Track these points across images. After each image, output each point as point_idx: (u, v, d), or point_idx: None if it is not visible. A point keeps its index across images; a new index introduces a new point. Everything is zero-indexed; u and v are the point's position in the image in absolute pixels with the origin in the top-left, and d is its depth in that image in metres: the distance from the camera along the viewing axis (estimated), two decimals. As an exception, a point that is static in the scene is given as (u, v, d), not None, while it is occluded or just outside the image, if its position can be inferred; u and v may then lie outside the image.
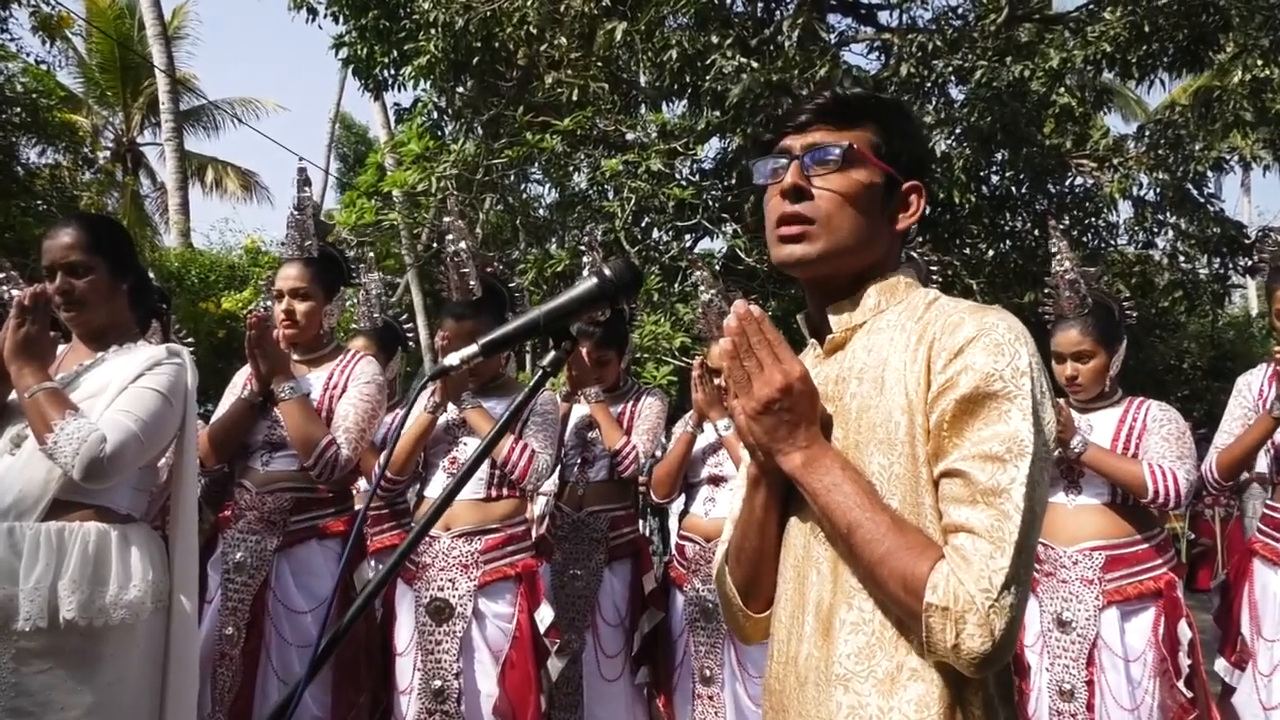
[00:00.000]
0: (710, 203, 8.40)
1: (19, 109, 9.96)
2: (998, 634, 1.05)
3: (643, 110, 9.47)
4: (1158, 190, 9.12)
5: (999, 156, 8.69)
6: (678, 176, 8.48)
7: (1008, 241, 9.51)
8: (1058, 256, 3.31)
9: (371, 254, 4.78)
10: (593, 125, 8.43)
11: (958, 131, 7.85)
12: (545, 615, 3.10)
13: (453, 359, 1.19)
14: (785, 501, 1.30)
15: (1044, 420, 1.13)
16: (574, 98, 8.24)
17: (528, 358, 10.20)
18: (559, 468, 3.83)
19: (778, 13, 8.74)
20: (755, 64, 7.46)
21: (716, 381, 3.55)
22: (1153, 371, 12.80)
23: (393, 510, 3.86)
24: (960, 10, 8.90)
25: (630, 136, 8.81)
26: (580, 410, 3.86)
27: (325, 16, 9.10)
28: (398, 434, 1.28)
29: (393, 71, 8.97)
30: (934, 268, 3.46)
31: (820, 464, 1.18)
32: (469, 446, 3.18)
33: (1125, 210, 9.70)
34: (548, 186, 9.76)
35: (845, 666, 1.17)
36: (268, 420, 3.03)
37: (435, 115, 9.62)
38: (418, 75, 8.60)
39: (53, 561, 2.11)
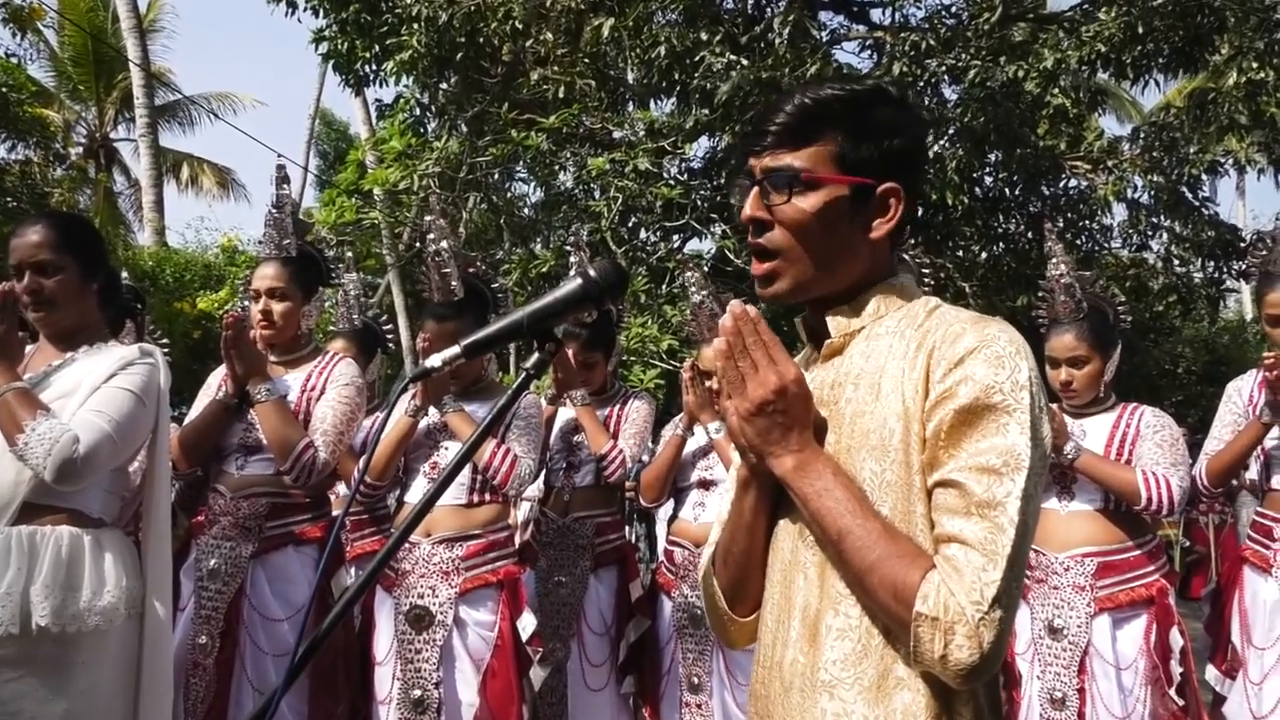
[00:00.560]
0: (699, 202, 8.42)
1: (-11, 103, 9.91)
2: (986, 646, 1.06)
3: (630, 108, 9.49)
4: (1152, 193, 9.20)
5: (992, 158, 8.74)
6: (666, 176, 8.49)
7: (1001, 244, 9.56)
8: (1053, 260, 3.33)
9: (351, 254, 4.77)
10: (579, 123, 8.43)
11: (950, 132, 7.90)
12: (528, 623, 3.10)
13: (434, 361, 1.19)
14: (775, 505, 1.30)
15: (1041, 435, 1.14)
16: (560, 95, 8.24)
17: (511, 360, 10.19)
18: (544, 472, 3.84)
19: (768, 9, 8.78)
20: (745, 61, 7.48)
21: (708, 384, 3.56)
22: (1147, 376, 12.90)
23: (372, 516, 3.85)
24: (954, 9, 8.96)
25: (617, 134, 8.82)
26: (566, 413, 3.86)
27: (305, 10, 9.08)
28: (377, 437, 1.28)
29: (374, 67, 8.96)
30: (926, 270, 3.48)
31: (812, 468, 1.19)
32: (450, 451, 3.18)
33: (1119, 213, 9.78)
34: (533, 185, 9.76)
35: (831, 673, 1.18)
36: (243, 423, 3.01)
37: (418, 112, 9.62)
38: (400, 70, 8.59)
39: (24, 566, 2.10)
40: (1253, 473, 3.32)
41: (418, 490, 3.19)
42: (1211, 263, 9.39)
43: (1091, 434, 3.17)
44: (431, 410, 3.15)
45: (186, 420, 3.11)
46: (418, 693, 2.97)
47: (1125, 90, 14.68)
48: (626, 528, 5.01)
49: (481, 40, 8.40)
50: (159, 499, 2.37)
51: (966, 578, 1.08)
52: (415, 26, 8.24)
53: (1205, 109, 8.51)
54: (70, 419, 2.16)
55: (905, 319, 1.27)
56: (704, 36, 7.63)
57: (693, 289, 3.88)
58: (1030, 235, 9.22)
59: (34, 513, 2.16)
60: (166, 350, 3.27)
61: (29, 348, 2.40)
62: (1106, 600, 3.03)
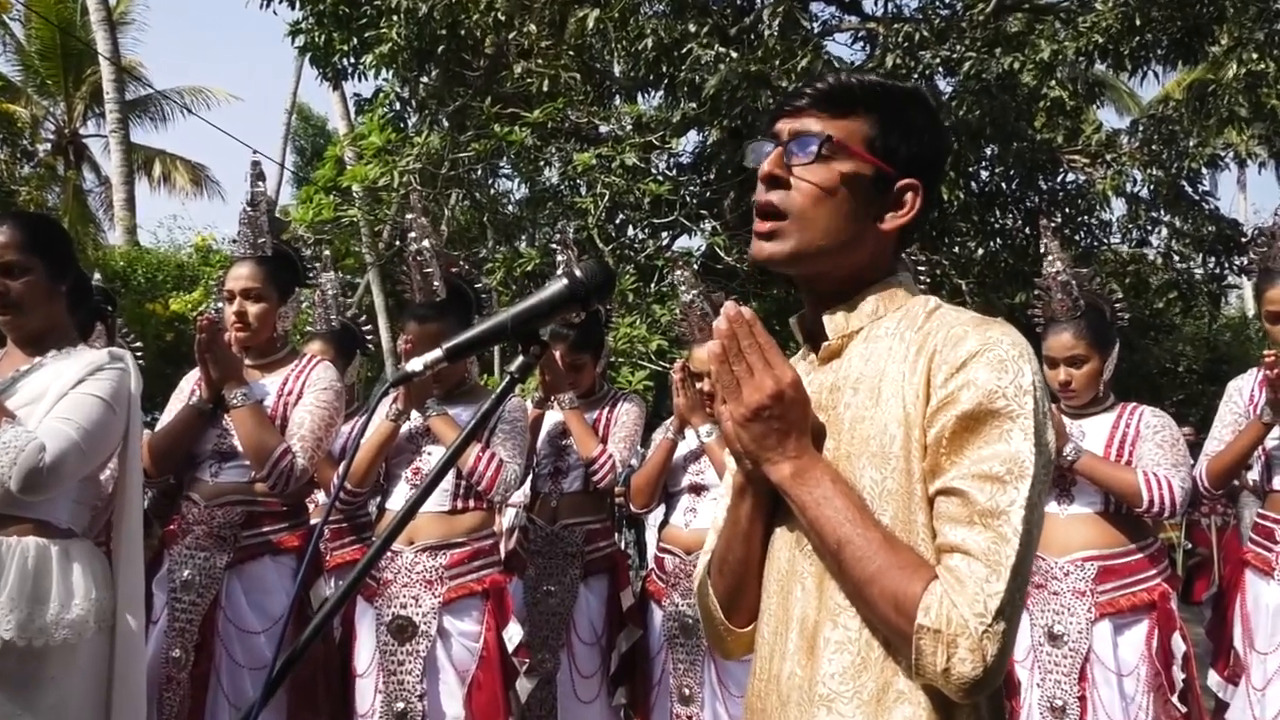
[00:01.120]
0: (688, 198, 8.42)
1: (-48, 98, 9.83)
2: (989, 659, 1.06)
3: (617, 102, 9.49)
4: (1151, 187, 9.26)
5: (988, 151, 8.79)
6: (654, 171, 8.50)
7: (997, 240, 9.61)
8: (1049, 257, 3.34)
9: (329, 252, 4.76)
10: (564, 117, 8.43)
11: (945, 125, 7.92)
12: (514, 633, 3.09)
13: (415, 364, 1.18)
14: (772, 512, 1.30)
15: (1046, 441, 1.15)
16: (544, 88, 8.24)
17: (494, 361, 10.18)
18: (531, 478, 3.83)
19: (758, 0, 8.79)
20: (734, 54, 7.49)
21: (699, 385, 3.56)
22: (1147, 375, 12.97)
23: (353, 524, 3.83)
24: (948, -1, 9.00)
25: (604, 129, 8.82)
26: (553, 417, 3.85)
27: (281, 2, 9.06)
28: (357, 443, 1.28)
29: (353, 60, 8.93)
30: (921, 267, 3.49)
31: (810, 475, 1.18)
32: (433, 456, 3.17)
33: (1118, 208, 9.85)
34: (517, 181, 9.76)
35: (829, 686, 1.18)
36: (217, 429, 3.00)
37: (398, 106, 9.59)
38: (379, 64, 8.57)
39: (-11, 579, 2.08)
40: (1254, 474, 3.34)
41: (400, 497, 3.18)
42: (1212, 258, 9.46)
43: (1090, 435, 3.18)
44: (413, 414, 3.14)
45: (158, 426, 3.09)
46: (400, 706, 2.96)
47: (1123, 82, 14.76)
48: (617, 534, 5.01)
49: (463, 32, 8.39)
50: (130, 508, 2.35)
51: (969, 589, 1.07)
52: (395, 18, 8.22)
53: (1205, 101, 8.58)
54: (37, 427, 2.14)
55: (905, 320, 1.26)
56: (692, 28, 7.64)
57: (683, 288, 3.88)
58: (1027, 231, 9.27)
59: (-1, 523, 2.15)
60: (138, 354, 3.26)
61: (-5, 352, 2.38)
62: (1107, 605, 3.04)
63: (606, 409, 3.84)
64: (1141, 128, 9.50)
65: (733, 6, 8.75)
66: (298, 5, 8.94)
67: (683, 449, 3.70)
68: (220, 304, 3.20)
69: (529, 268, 8.19)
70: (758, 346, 1.20)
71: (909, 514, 1.16)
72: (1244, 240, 9.22)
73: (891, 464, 1.18)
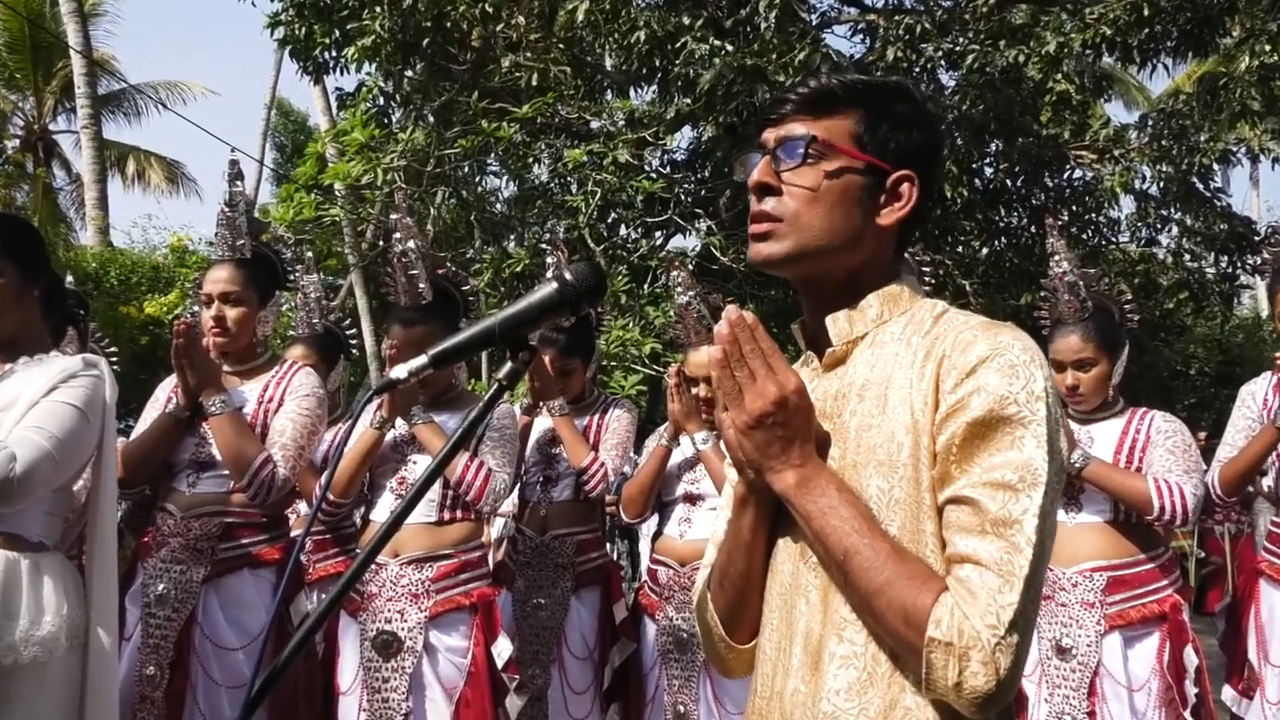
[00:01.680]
0: (682, 197, 8.44)
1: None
2: (1003, 673, 1.06)
3: (608, 96, 9.51)
4: (1161, 184, 9.29)
5: (992, 147, 8.81)
6: (647, 168, 8.52)
7: (1002, 239, 9.63)
8: (1056, 257, 3.34)
9: (311, 254, 4.75)
10: (554, 112, 8.44)
11: (948, 121, 7.95)
12: (503, 648, 3.09)
13: (400, 371, 1.19)
14: (774, 524, 1.30)
15: (1058, 448, 1.15)
16: (533, 82, 8.25)
17: (482, 366, 10.18)
18: (519, 487, 3.83)
19: (754, -9, 8.81)
20: (730, 47, 7.51)
21: (695, 391, 3.56)
22: (1157, 378, 13.00)
23: (336, 535, 3.83)
24: (950, -10, 9.04)
25: (595, 125, 8.84)
26: (543, 424, 3.85)
27: (259, -8, 9.06)
28: (341, 451, 1.28)
29: (334, 53, 8.93)
30: (925, 269, 3.50)
31: (815, 484, 1.19)
32: (419, 465, 3.17)
33: (1127, 205, 9.88)
34: (505, 179, 9.77)
35: (834, 703, 1.18)
36: (195, 438, 2.99)
37: (381, 101, 9.59)
38: (362, 57, 8.57)
39: (-44, 594, 2.08)
40: (1269, 480, 3.35)
41: (384, 508, 3.18)
42: (1224, 257, 9.49)
43: (1099, 440, 3.19)
44: (399, 422, 3.14)
45: (133, 434, 3.09)
46: (385, 725, 2.96)
47: (1132, 75, 14.82)
48: (609, 545, 5.00)
49: (449, 24, 8.39)
50: (104, 520, 2.35)
51: (981, 600, 1.08)
52: (378, 10, 8.23)
53: (1216, 94, 8.61)
54: (7, 436, 2.13)
55: (911, 325, 1.27)
56: (686, 20, 7.66)
57: (678, 289, 3.88)
58: (1033, 229, 9.30)
59: (-33, 536, 2.14)
60: (113, 360, 3.25)
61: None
62: (1117, 617, 3.05)
63: (597, 415, 3.85)
64: (1151, 122, 9.53)
65: (728, -2, 8.77)
66: (276, -4, 8.94)
67: (677, 457, 3.70)
68: (197, 308, 3.20)
69: (518, 269, 8.20)
70: (760, 351, 1.20)
71: (917, 523, 1.17)
72: (1257, 238, 9.25)
73: (899, 473, 1.18)
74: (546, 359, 3.71)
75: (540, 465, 3.83)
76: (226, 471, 2.93)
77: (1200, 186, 9.26)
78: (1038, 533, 1.10)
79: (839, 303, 1.31)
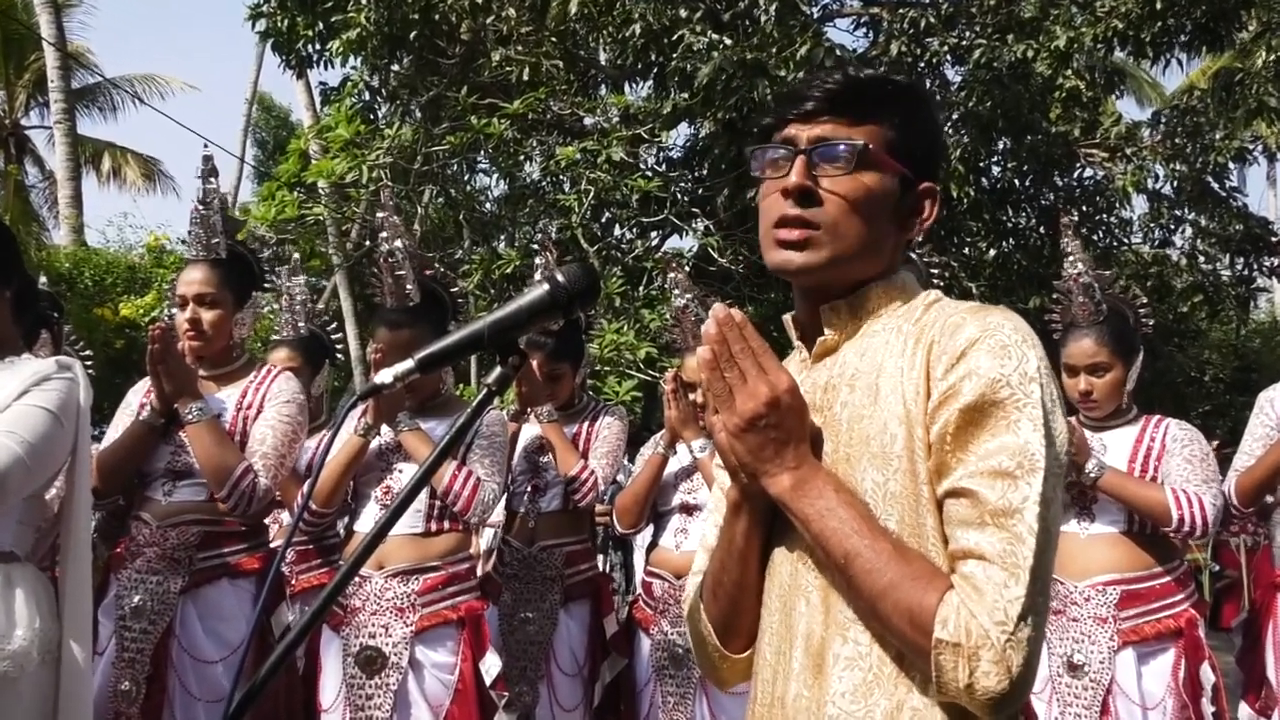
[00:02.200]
0: (679, 196, 8.45)
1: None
2: (1015, 671, 1.06)
3: (603, 92, 9.51)
4: (1175, 183, 9.31)
5: (1000, 145, 8.83)
6: (642, 166, 8.53)
7: (1010, 240, 9.65)
8: (1070, 258, 3.33)
9: (296, 254, 4.75)
10: (546, 108, 8.45)
11: (954, 118, 7.97)
12: (491, 664, 3.08)
13: (386, 376, 1.19)
14: (769, 529, 1.30)
15: (1055, 431, 1.15)
16: (525, 77, 8.25)
17: (471, 371, 10.17)
18: (507, 496, 3.82)
19: (754, -16, 8.83)
20: (728, 41, 7.52)
21: (692, 397, 3.56)
22: (1171, 384, 13.02)
23: (319, 546, 3.82)
24: (956, -18, 9.05)
25: (589, 121, 8.84)
26: (531, 431, 3.85)
27: (240, -17, 9.06)
28: (324, 459, 1.27)
29: (318, 46, 8.92)
30: (934, 270, 3.50)
31: (811, 487, 1.19)
32: (405, 474, 3.16)
33: (1140, 205, 9.90)
34: (495, 177, 9.76)
35: (839, 707, 1.18)
36: (170, 445, 2.99)
37: (367, 96, 9.59)
38: (346, 50, 8.56)
39: (-77, 608, 2.07)
40: (1287, 490, 3.36)
41: (369, 518, 3.17)
42: (1240, 259, 9.51)
43: (1113, 449, 3.19)
44: (384, 429, 3.14)
45: (105, 441, 3.08)
46: (369, 744, 2.95)
47: (1144, 71, 14.87)
48: (600, 557, 5.00)
49: (437, 17, 8.40)
50: (78, 530, 2.34)
51: (988, 597, 1.08)
52: (363, 1, 8.23)
53: (1232, 91, 8.63)
54: (-24, 441, 2.13)
55: (903, 314, 1.28)
56: (683, 13, 7.66)
57: (675, 292, 3.88)
58: (1042, 230, 9.32)
59: (-65, 547, 2.14)
60: (87, 363, 3.24)
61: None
62: (1131, 633, 3.05)
63: (587, 422, 3.85)
64: (1164, 119, 9.56)
65: (727, -10, 8.78)
66: (258, -13, 8.94)
67: (674, 465, 3.70)
68: (174, 310, 3.19)
69: (508, 270, 8.19)
70: (750, 351, 1.20)
71: (917, 518, 1.17)
72: (1274, 239, 9.29)
73: (894, 465, 1.18)
74: (534, 363, 3.71)
75: (527, 474, 3.83)
76: (204, 480, 2.92)
77: (1215, 186, 9.29)
78: (1040, 520, 1.10)
79: (838, 298, 1.32)
